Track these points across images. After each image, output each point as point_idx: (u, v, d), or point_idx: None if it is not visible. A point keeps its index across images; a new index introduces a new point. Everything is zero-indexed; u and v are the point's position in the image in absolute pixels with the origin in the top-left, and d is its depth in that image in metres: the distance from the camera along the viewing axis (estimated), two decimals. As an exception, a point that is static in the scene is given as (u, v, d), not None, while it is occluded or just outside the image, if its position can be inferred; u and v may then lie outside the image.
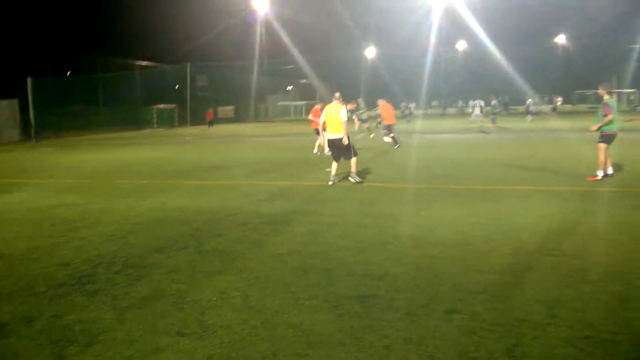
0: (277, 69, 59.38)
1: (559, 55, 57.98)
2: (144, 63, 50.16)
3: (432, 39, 48.38)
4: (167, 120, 48.73)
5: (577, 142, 16.88)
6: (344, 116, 9.55)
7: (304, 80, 69.53)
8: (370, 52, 57.37)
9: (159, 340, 3.61)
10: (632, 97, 29.89)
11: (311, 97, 65.48)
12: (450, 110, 56.00)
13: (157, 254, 5.67)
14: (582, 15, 54.49)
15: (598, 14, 52.74)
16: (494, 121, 26.84)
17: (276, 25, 48.03)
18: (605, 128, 9.25)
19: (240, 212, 7.74)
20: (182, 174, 12.92)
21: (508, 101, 47.43)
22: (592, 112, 33.78)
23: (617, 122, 9.34)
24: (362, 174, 10.65)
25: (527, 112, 32.29)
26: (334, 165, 9.95)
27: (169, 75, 52.95)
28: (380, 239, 5.90)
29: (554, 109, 36.22)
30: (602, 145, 9.25)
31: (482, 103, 27.16)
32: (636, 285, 4.29)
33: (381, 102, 18.12)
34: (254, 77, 52.50)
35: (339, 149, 9.75)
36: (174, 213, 7.87)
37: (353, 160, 9.86)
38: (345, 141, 9.59)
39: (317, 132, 15.57)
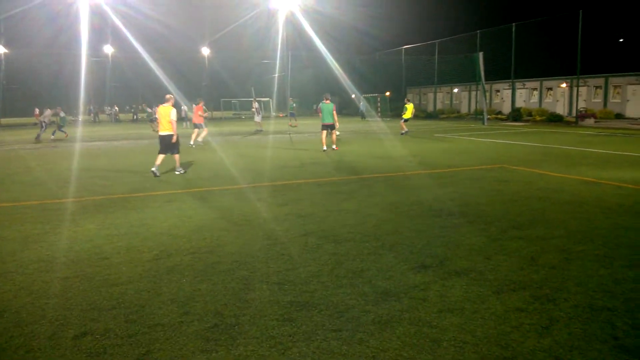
0: None
1: (208, 66, 62.70)
2: None
3: (80, 38, 44.75)
4: None
5: (224, 144, 18.60)
6: (173, 116, 10.86)
7: None
8: None
9: None
10: (293, 105, 35.31)
11: None
12: (103, 116, 53.07)
13: None
14: (226, 32, 60.43)
15: (238, 32, 59.35)
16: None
17: None
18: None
19: None
20: None
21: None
22: (236, 118, 37.93)
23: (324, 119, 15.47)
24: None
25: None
26: (160, 157, 11.09)
27: None
28: (1, 268, 5.02)
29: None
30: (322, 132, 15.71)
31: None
32: (257, 267, 4.92)
33: None
34: None
35: (167, 145, 11.01)
36: None
37: (177, 156, 11.30)
38: (174, 138, 10.97)
39: (196, 126, 18.78)
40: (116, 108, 49.50)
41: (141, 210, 7.61)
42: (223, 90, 65.37)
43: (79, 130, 30.47)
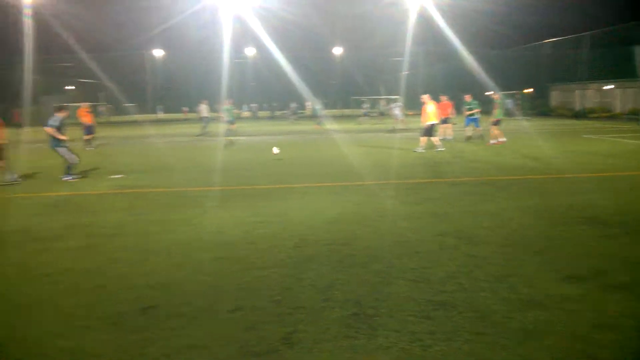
0: (52, 66, 52.58)
1: (338, 64, 64.07)
2: None
3: (225, 42, 48.73)
4: None
5: (354, 142, 18.95)
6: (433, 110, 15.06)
7: (87, 80, 63.10)
8: (159, 53, 55.06)
9: None
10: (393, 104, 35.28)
11: (95, 98, 59.78)
12: (245, 113, 56.76)
13: None
14: (356, 29, 61.44)
15: (370, 28, 59.96)
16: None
17: (49, 18, 42.59)
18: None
19: (2, 230, 6.64)
20: None
21: (297, 106, 50.62)
22: (366, 116, 38.24)
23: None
24: (177, 183, 10.15)
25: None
26: (433, 139, 15.10)
27: None
28: (164, 246, 5.70)
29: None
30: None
31: (400, 104, 28.52)
32: (394, 263, 4.97)
33: None
34: (25, 75, 45.47)
35: (428, 130, 14.91)
36: None
37: (425, 139, 14.90)
38: (432, 126, 15.07)
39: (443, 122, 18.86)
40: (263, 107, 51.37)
41: (281, 201, 8.09)
42: (352, 89, 66.33)
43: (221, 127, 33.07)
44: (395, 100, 34.51)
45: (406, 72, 53.44)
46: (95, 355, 3.30)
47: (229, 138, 20.92)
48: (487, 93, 46.67)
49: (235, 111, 22.30)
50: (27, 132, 32.01)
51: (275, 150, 14.04)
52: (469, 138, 18.02)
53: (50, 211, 7.85)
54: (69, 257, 5.36)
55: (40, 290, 4.47)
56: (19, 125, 34.96)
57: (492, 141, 16.85)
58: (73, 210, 7.90)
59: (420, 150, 14.77)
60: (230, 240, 5.85)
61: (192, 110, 49.07)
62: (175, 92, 65.64)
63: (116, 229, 6.55)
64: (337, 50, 59.20)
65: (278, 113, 55.15)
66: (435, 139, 15.13)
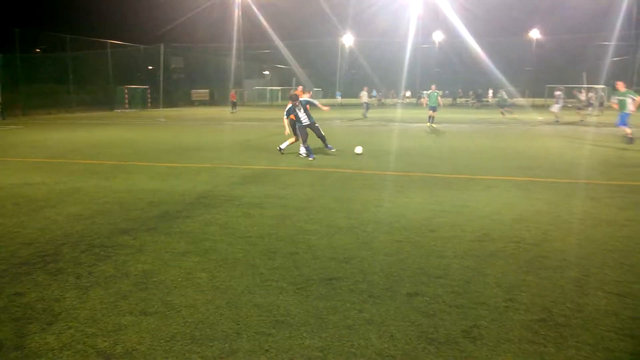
0: (254, 53, 58.79)
1: (533, 49, 58.93)
2: (115, 42, 48.68)
3: (411, 28, 48.69)
4: (139, 102, 47.77)
5: (546, 134, 17.34)
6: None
7: (280, 66, 68.98)
8: (348, 40, 57.31)
9: (122, 319, 3.60)
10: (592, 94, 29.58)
11: (287, 83, 64.97)
12: (460, 100, 54.82)
13: (124, 234, 5.62)
14: (556, 11, 55.55)
15: (572, 10, 53.80)
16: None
17: (253, 8, 47.55)
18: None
19: (212, 195, 7.71)
20: (153, 155, 12.74)
21: (481, 93, 48.15)
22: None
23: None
24: (336, 164, 10.70)
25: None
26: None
27: (141, 56, 51.74)
28: (348, 223, 5.98)
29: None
30: None
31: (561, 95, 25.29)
32: (592, 272, 4.46)
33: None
34: (232, 60, 51.79)
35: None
36: (142, 194, 7.79)
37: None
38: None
39: None
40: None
41: (463, 192, 7.83)
42: (545, 76, 60.50)
43: (399, 112, 33.20)
44: (594, 90, 30.24)
45: (614, 59, 46.79)
46: (287, 315, 3.63)
47: (431, 125, 20.97)
48: None
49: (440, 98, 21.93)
50: (241, 111, 36.27)
51: (359, 149, 12.24)
52: (630, 140, 13.85)
53: (251, 181, 8.85)
54: (265, 224, 5.98)
55: (240, 250, 5.07)
56: (235, 104, 39.82)
57: None
58: (269, 182, 8.78)
59: None
60: (410, 226, 5.87)
61: (369, 96, 50.18)
62: (358, 77, 67.81)
63: (305, 202, 7.09)
64: (534, 34, 54.38)
65: (460, 100, 53.23)
66: None
